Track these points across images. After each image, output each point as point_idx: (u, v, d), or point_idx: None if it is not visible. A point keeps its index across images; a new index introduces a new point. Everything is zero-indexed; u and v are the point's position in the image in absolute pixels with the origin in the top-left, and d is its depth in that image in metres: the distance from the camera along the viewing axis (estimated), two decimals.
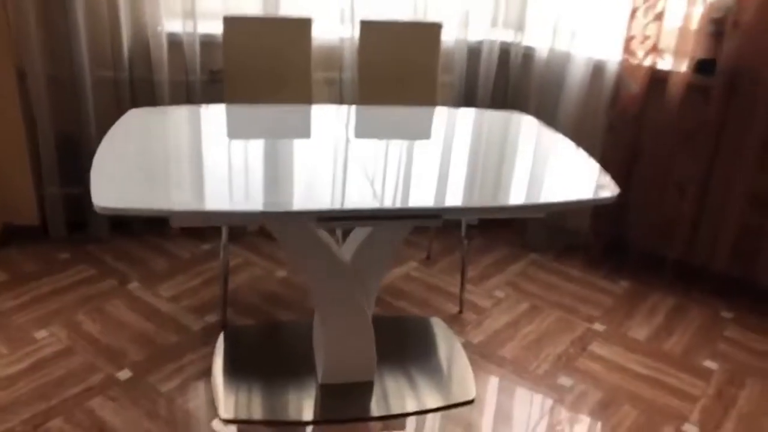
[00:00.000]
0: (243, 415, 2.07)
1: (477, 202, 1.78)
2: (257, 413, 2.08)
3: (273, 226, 1.95)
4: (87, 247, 2.94)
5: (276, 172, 1.84)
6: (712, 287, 2.92)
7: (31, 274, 2.73)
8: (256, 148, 2.02)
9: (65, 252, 2.89)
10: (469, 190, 1.83)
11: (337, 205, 1.66)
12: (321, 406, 2.13)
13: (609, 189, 1.90)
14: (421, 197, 1.75)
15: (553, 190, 1.88)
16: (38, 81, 2.72)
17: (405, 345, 2.45)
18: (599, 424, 2.15)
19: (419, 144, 2.16)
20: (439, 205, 1.71)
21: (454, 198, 1.77)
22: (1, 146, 2.78)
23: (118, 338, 2.39)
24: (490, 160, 2.07)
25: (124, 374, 2.22)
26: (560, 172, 2.02)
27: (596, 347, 2.53)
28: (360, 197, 1.72)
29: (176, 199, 1.66)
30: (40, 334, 2.38)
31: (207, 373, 2.25)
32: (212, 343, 2.39)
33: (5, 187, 2.84)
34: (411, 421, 2.12)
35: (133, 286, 2.70)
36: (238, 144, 2.04)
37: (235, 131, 2.16)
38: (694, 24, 2.66)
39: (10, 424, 1.98)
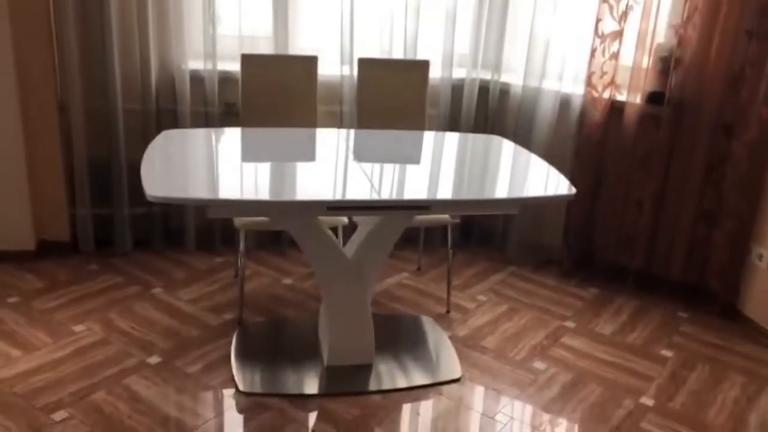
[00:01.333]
0: (257, 389, 2.40)
1: (459, 196, 2.16)
2: (269, 387, 2.41)
3: (290, 223, 2.31)
4: (113, 260, 3.28)
5: (291, 174, 2.22)
6: (670, 292, 3.29)
7: (65, 281, 3.06)
8: (271, 159, 2.41)
9: (94, 264, 3.24)
10: (455, 190, 2.21)
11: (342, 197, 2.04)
12: (326, 382, 2.46)
13: (567, 189, 2.28)
14: (413, 194, 2.13)
15: (523, 191, 2.27)
16: (77, 113, 3.11)
17: (399, 337, 2.79)
18: (568, 397, 2.48)
19: (412, 157, 2.56)
20: (428, 197, 2.09)
21: (442, 194, 2.15)
22: (40, 171, 3.16)
23: (146, 332, 2.72)
24: (472, 170, 2.46)
25: (154, 359, 2.54)
26: (530, 178, 2.41)
27: (567, 339, 2.88)
28: (364, 193, 2.09)
29: (211, 194, 2.03)
30: (78, 328, 2.71)
31: (226, 358, 2.57)
32: (230, 336, 2.72)
33: (41, 207, 3.20)
34: (412, 395, 2.44)
35: (157, 291, 3.04)
36: (254, 155, 2.43)
37: (251, 147, 2.55)
38: (645, 62, 3.11)
39: (61, 396, 2.30)
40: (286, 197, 2.03)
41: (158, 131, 3.21)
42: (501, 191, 2.25)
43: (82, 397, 2.31)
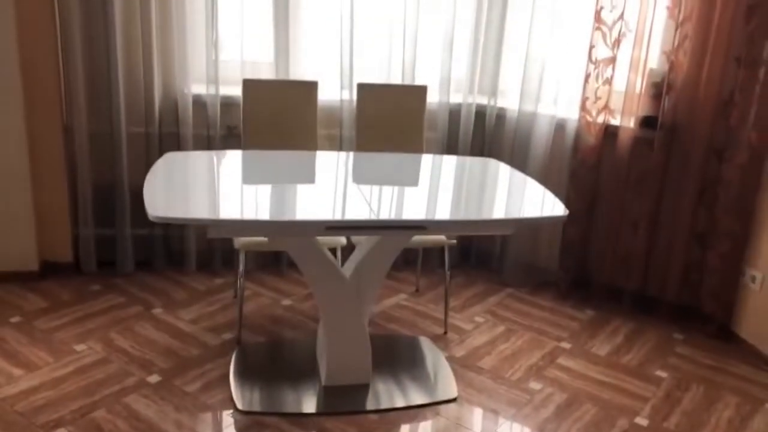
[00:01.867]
0: (256, 408, 2.42)
1: (456, 217, 2.21)
2: (268, 406, 2.43)
3: (289, 243, 2.36)
4: (114, 281, 3.33)
5: (290, 196, 2.28)
6: (665, 314, 3.32)
7: (67, 301, 3.10)
8: (271, 180, 2.46)
9: (96, 284, 3.28)
10: (452, 210, 2.26)
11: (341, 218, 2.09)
12: (324, 401, 2.49)
13: (562, 210, 2.33)
14: (411, 213, 2.18)
15: (518, 212, 2.31)
16: (82, 136, 3.18)
17: (397, 356, 2.82)
18: (563, 417, 2.51)
19: (410, 179, 2.61)
20: (426, 218, 2.14)
21: (438, 214, 2.20)
22: (44, 192, 3.21)
23: (146, 351, 2.75)
24: (469, 191, 2.52)
25: (154, 378, 2.58)
26: (524, 200, 2.47)
27: (563, 360, 2.90)
28: (362, 213, 2.15)
29: (212, 214, 2.08)
30: (80, 347, 2.74)
31: (225, 378, 2.60)
32: (229, 355, 2.75)
33: (46, 228, 3.25)
34: (409, 414, 2.47)
35: (157, 311, 3.08)
36: (255, 177, 2.48)
37: (252, 169, 2.61)
38: (638, 87, 3.18)
39: (62, 414, 2.33)
40: (285, 217, 2.08)
41: (161, 154, 3.28)
42: (497, 212, 2.30)
43: (82, 414, 2.34)
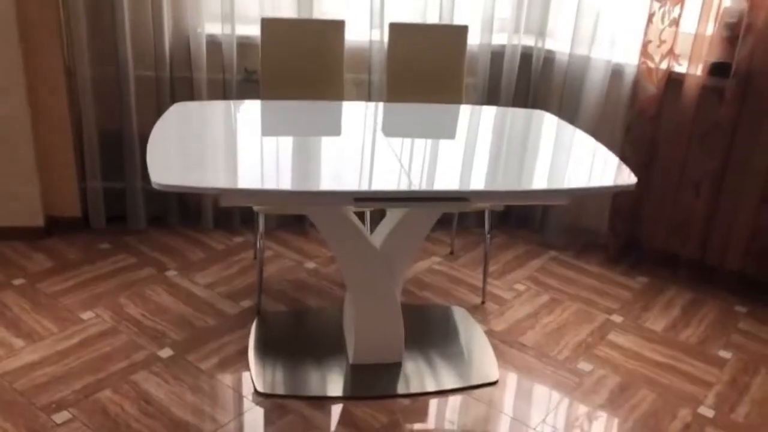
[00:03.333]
0: (280, 390, 2.19)
1: (502, 187, 1.90)
2: (290, 388, 2.20)
3: (311, 210, 2.08)
4: (126, 239, 3.09)
5: (314, 159, 1.98)
6: (726, 284, 3.01)
7: (74, 261, 2.87)
8: (293, 137, 2.16)
9: (105, 242, 3.04)
10: (495, 176, 1.95)
11: (372, 188, 1.79)
12: (351, 383, 2.25)
13: (628, 178, 2.01)
14: (450, 182, 1.88)
15: (575, 178, 2.00)
16: (85, 79, 2.88)
17: (431, 331, 2.56)
18: (618, 405, 2.25)
19: (446, 135, 2.29)
20: (467, 189, 1.83)
21: (482, 183, 1.89)
22: (48, 142, 2.95)
23: (158, 320, 2.52)
24: (513, 151, 2.20)
25: (166, 352, 2.35)
26: (581, 162, 2.14)
27: (614, 337, 2.63)
28: (396, 182, 1.85)
29: (224, 180, 1.79)
30: (86, 315, 2.52)
31: (243, 353, 2.37)
32: (247, 326, 2.52)
33: (50, 181, 3.00)
34: (443, 399, 2.23)
35: (171, 273, 2.84)
36: (275, 133, 2.18)
37: (271, 123, 2.31)
38: (709, 29, 2.78)
39: (64, 394, 2.12)
40: (309, 186, 1.79)
41: (173, 100, 2.99)
42: (553, 179, 1.99)
43: (86, 395, 2.12)
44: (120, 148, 3.04)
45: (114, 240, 3.06)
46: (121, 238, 3.08)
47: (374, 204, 1.79)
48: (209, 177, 1.81)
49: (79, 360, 2.28)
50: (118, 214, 3.16)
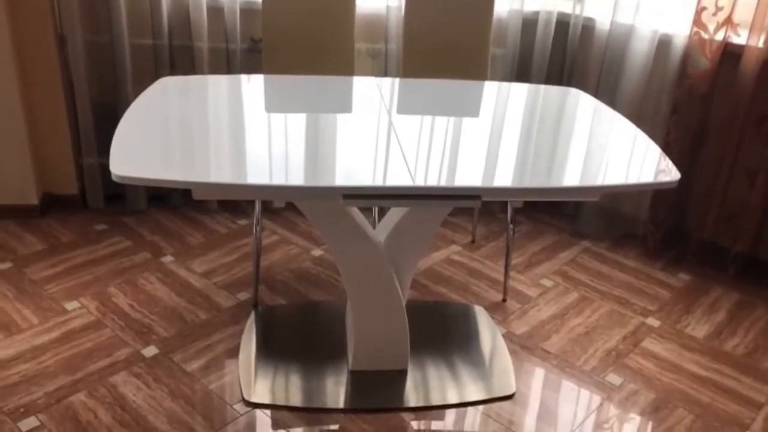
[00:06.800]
0: (268, 399, 1.98)
1: (522, 182, 1.62)
2: (282, 398, 1.99)
3: (300, 202, 1.83)
4: (124, 219, 2.89)
5: (307, 145, 1.73)
6: None
7: (67, 244, 2.69)
8: (286, 119, 1.91)
9: (102, 223, 2.85)
10: (518, 170, 1.68)
11: (366, 182, 1.53)
12: (351, 393, 2.02)
13: (669, 174, 1.71)
14: (463, 176, 1.61)
15: (608, 172, 1.71)
16: (77, 47, 2.66)
17: (443, 333, 2.31)
18: (650, 428, 1.98)
19: (466, 120, 2.01)
20: (480, 185, 1.56)
21: (499, 178, 1.62)
22: (41, 114, 2.75)
23: (147, 313, 2.33)
24: (541, 140, 1.91)
25: (150, 351, 2.16)
26: (617, 153, 1.84)
27: (650, 344, 2.34)
28: (394, 175, 1.59)
29: (197, 171, 1.56)
30: (71, 305, 2.34)
31: (234, 353, 2.16)
32: (242, 322, 2.31)
33: (45, 156, 2.82)
34: (444, 414, 1.99)
35: (167, 259, 2.64)
36: (266, 115, 1.93)
37: (266, 103, 2.05)
38: None
39: (35, 396, 1.94)
40: (290, 180, 1.53)
41: (172, 70, 2.76)
42: (586, 175, 1.69)
43: (59, 399, 1.94)
44: (116, 122, 2.82)
45: (111, 221, 2.88)
46: (119, 219, 2.89)
47: (364, 202, 1.54)
48: (181, 168, 1.58)
49: (56, 357, 2.10)
50: (118, 192, 2.97)
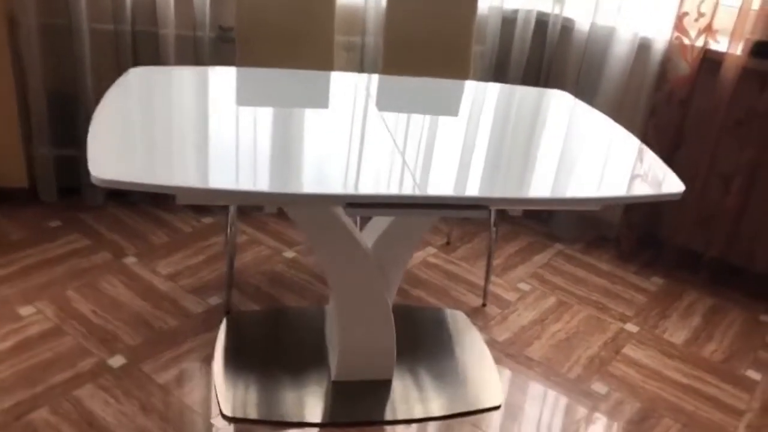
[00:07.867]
0: (246, 413, 1.87)
1: (527, 192, 1.56)
2: (262, 411, 1.88)
3: (289, 207, 1.72)
4: (80, 215, 2.71)
5: (304, 149, 1.61)
6: (751, 288, 2.72)
7: (18, 242, 2.50)
8: (269, 119, 1.79)
9: (56, 219, 2.66)
10: (522, 179, 1.61)
11: (370, 190, 1.44)
12: (332, 405, 1.93)
13: (674, 184, 1.68)
14: (468, 184, 1.53)
15: (611, 182, 1.66)
16: (30, 30, 2.46)
17: (423, 340, 2.24)
18: None
19: (466, 125, 1.93)
20: (489, 195, 1.49)
21: (503, 187, 1.55)
22: None
23: (111, 319, 2.17)
24: (542, 147, 1.84)
25: (117, 361, 2.01)
26: (619, 164, 1.80)
27: (631, 350, 2.33)
28: (397, 182, 1.49)
29: (183, 175, 1.43)
30: (26, 310, 2.16)
31: (207, 362, 2.04)
32: (214, 329, 2.18)
33: None
34: (430, 427, 1.92)
35: (130, 260, 2.48)
36: (248, 114, 1.80)
37: (246, 98, 1.92)
38: (756, 2, 2.42)
39: None
40: (290, 187, 1.42)
41: (135, 59, 2.59)
42: (587, 186, 1.64)
43: (17, 416, 1.78)
44: (73, 111, 2.64)
45: (66, 217, 2.69)
46: (75, 215, 2.71)
47: (370, 211, 1.44)
48: (164, 171, 1.45)
49: (12, 369, 1.93)
50: (73, 185, 2.77)
